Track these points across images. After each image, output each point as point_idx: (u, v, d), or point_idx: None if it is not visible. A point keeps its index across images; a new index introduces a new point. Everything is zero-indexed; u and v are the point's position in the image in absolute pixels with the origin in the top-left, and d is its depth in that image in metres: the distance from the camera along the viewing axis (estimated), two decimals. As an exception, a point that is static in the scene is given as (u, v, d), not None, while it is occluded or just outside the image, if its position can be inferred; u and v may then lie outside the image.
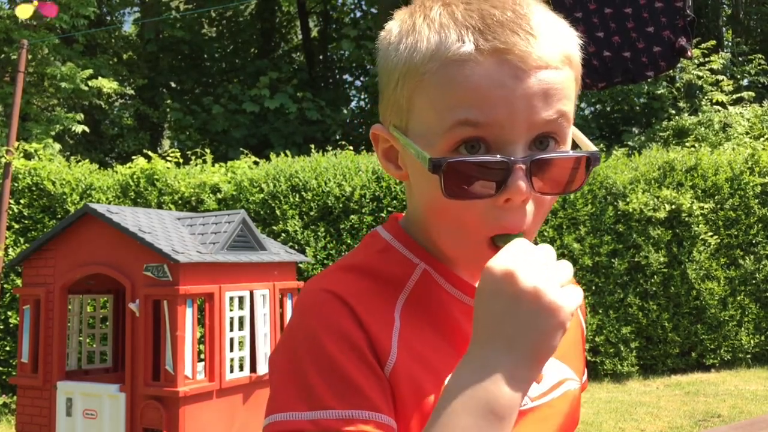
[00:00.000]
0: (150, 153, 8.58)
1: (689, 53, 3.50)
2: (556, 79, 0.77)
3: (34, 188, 7.57)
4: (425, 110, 0.79)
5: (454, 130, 0.76)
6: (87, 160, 8.44)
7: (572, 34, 0.83)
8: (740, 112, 12.14)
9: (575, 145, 0.84)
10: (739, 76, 14.58)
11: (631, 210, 7.84)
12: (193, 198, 7.68)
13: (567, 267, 0.74)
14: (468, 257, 0.82)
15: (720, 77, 12.92)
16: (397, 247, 0.87)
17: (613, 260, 7.82)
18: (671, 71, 11.29)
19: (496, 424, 0.68)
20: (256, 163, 8.46)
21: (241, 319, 4.46)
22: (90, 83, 12.06)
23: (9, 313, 7.22)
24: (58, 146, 11.24)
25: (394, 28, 0.85)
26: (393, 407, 0.76)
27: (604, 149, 10.59)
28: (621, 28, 3.54)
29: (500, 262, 0.72)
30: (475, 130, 0.76)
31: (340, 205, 7.55)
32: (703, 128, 11.97)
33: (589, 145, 0.84)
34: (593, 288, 7.82)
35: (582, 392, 1.04)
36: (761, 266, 8.20)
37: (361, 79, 18.22)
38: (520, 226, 0.79)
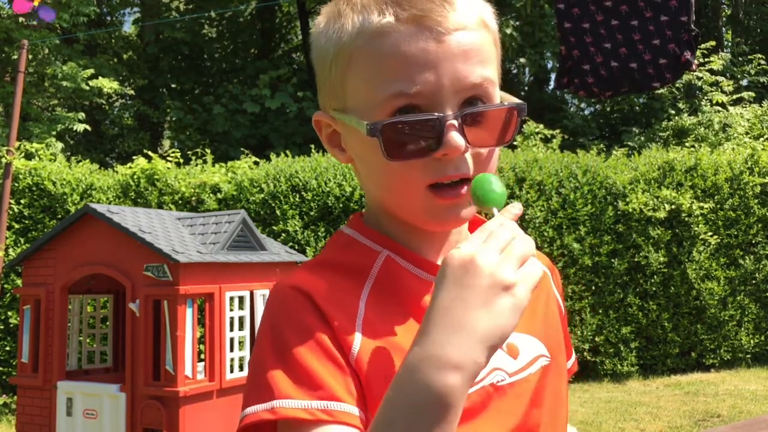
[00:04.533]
0: (150, 153, 8.58)
1: (694, 66, 3.53)
2: (475, 40, 0.83)
3: (34, 188, 7.58)
4: (359, 85, 0.84)
5: (388, 102, 0.81)
6: (87, 160, 8.44)
7: (486, 4, 0.89)
8: (740, 113, 12.13)
9: None
10: (739, 76, 14.58)
11: (631, 210, 7.84)
12: (193, 198, 7.68)
13: (526, 243, 0.73)
14: (416, 209, 0.86)
15: (720, 78, 12.91)
16: (361, 240, 0.91)
17: (613, 260, 7.82)
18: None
19: (443, 412, 0.68)
20: (256, 163, 8.46)
21: (241, 319, 4.46)
22: (90, 83, 12.07)
23: (9, 313, 7.22)
24: (60, 145, 11.24)
25: (321, 20, 0.91)
26: (359, 393, 0.78)
27: (604, 149, 10.58)
28: (627, 39, 3.57)
29: (459, 251, 0.72)
30: (408, 99, 0.81)
31: (340, 205, 7.55)
32: (702, 128, 11.97)
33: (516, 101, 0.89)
34: (593, 288, 7.82)
35: (569, 375, 1.05)
36: (761, 266, 8.20)
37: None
38: (462, 173, 0.83)
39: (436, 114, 0.80)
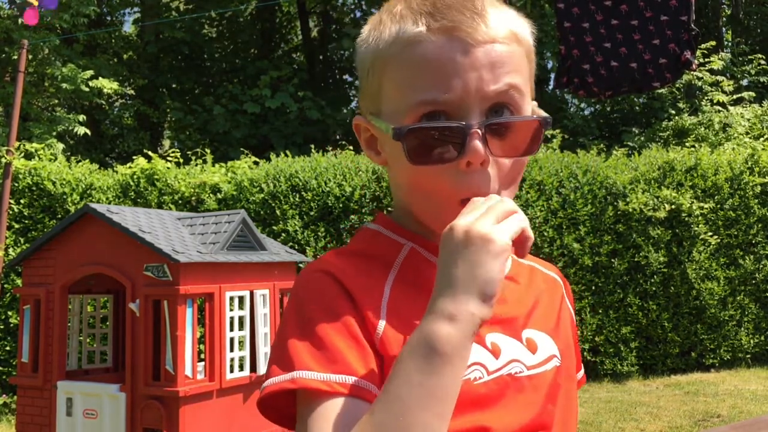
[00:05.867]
0: (150, 153, 8.58)
1: (694, 66, 3.53)
2: (503, 52, 0.86)
3: (34, 188, 7.58)
4: (392, 90, 0.88)
5: (416, 109, 0.85)
6: (87, 160, 8.44)
7: (521, 19, 0.92)
8: (740, 113, 12.13)
9: None
10: (739, 76, 14.57)
11: (631, 210, 7.84)
12: (193, 198, 7.68)
13: (507, 203, 0.79)
14: (445, 220, 0.88)
15: (720, 78, 12.91)
16: (386, 233, 0.95)
17: (613, 260, 7.82)
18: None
19: (436, 360, 0.72)
20: (256, 163, 8.46)
21: (241, 319, 4.46)
22: (90, 84, 12.06)
23: (9, 313, 7.22)
24: (61, 146, 11.23)
25: (365, 28, 0.95)
26: (380, 373, 0.82)
27: (604, 149, 10.58)
28: (628, 39, 3.57)
29: (450, 224, 0.79)
30: (435, 106, 0.84)
31: (340, 205, 7.55)
32: (703, 128, 11.97)
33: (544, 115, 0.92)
34: (593, 288, 7.82)
35: (579, 388, 1.07)
36: (761, 266, 8.20)
37: (361, 79, 18.17)
38: (485, 190, 0.85)
39: (460, 122, 0.83)
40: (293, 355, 0.81)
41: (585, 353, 7.73)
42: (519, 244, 0.79)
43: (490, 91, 0.84)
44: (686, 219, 7.99)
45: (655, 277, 7.88)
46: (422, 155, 0.84)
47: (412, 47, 0.86)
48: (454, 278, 0.75)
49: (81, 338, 4.83)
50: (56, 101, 13.62)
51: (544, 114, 0.89)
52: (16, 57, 9.76)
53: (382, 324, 0.84)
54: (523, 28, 0.91)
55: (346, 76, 18.97)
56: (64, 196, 7.55)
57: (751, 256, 8.20)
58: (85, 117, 12.32)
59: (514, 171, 0.89)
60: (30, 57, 11.26)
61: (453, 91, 0.83)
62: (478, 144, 0.82)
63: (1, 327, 7.23)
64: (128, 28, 19.20)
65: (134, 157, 8.32)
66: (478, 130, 0.83)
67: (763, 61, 14.42)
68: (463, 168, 0.84)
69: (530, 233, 0.79)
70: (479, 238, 0.75)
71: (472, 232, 0.76)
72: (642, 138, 12.79)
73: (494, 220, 0.76)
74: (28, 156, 8.04)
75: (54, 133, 11.34)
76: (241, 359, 4.45)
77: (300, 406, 0.81)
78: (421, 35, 0.85)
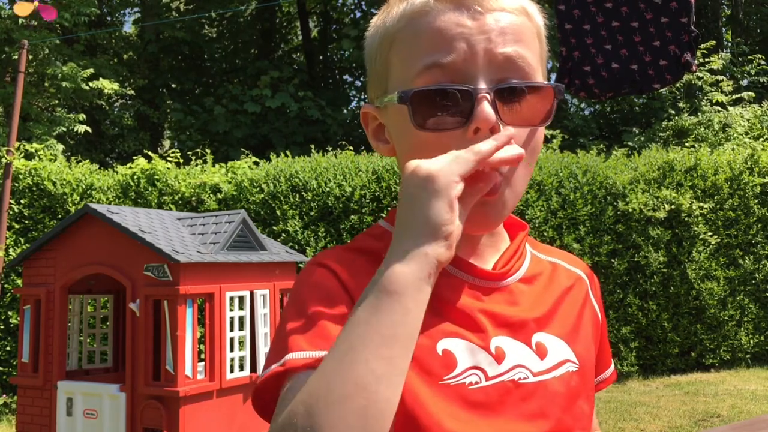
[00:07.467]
0: (150, 153, 8.58)
1: (694, 68, 3.54)
2: (513, 21, 0.83)
3: (34, 188, 7.58)
4: (399, 65, 0.85)
5: (423, 74, 0.81)
6: (87, 161, 8.43)
7: (532, 2, 0.89)
8: (740, 113, 12.13)
9: None
10: (738, 77, 14.58)
11: (630, 210, 7.85)
12: (193, 198, 7.68)
13: (481, 145, 0.75)
14: None
15: (720, 77, 12.91)
16: (392, 230, 0.92)
17: (612, 260, 7.82)
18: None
19: (383, 298, 0.71)
20: (256, 163, 8.46)
21: (241, 319, 4.47)
22: (91, 84, 12.06)
23: (9, 313, 7.22)
24: (61, 146, 11.23)
25: (374, 18, 0.93)
26: None
27: (604, 149, 10.58)
28: (628, 41, 3.57)
29: None
30: (442, 73, 0.81)
31: (340, 206, 7.55)
32: (702, 128, 11.97)
33: None
34: (593, 288, 7.82)
35: (608, 385, 1.06)
36: (761, 266, 8.20)
37: (361, 79, 18.24)
38: None
39: (468, 86, 0.80)
40: (287, 341, 0.79)
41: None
42: (477, 181, 0.76)
43: (498, 53, 0.80)
44: (686, 219, 7.99)
45: (654, 277, 7.88)
46: (428, 120, 0.80)
47: (418, 18, 0.83)
48: (403, 218, 0.74)
49: (81, 338, 4.84)
50: (56, 101, 13.62)
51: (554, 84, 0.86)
52: (16, 57, 9.76)
53: None
54: (533, 8, 0.88)
55: (346, 76, 18.98)
56: (65, 197, 7.55)
57: (751, 256, 8.20)
58: (85, 117, 12.32)
59: (527, 149, 0.83)
60: (30, 57, 11.27)
61: (458, 52, 0.80)
62: (487, 108, 0.78)
63: (2, 327, 7.23)
64: (128, 28, 19.22)
65: (134, 158, 8.32)
66: (487, 95, 0.79)
67: (762, 61, 14.43)
68: (470, 136, 0.79)
69: (493, 166, 0.75)
70: (422, 178, 0.73)
71: (418, 171, 0.74)
72: (642, 138, 12.80)
73: (449, 156, 0.73)
74: (29, 156, 8.04)
75: (54, 134, 11.34)
76: (241, 359, 4.45)
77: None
78: (428, 5, 0.83)
